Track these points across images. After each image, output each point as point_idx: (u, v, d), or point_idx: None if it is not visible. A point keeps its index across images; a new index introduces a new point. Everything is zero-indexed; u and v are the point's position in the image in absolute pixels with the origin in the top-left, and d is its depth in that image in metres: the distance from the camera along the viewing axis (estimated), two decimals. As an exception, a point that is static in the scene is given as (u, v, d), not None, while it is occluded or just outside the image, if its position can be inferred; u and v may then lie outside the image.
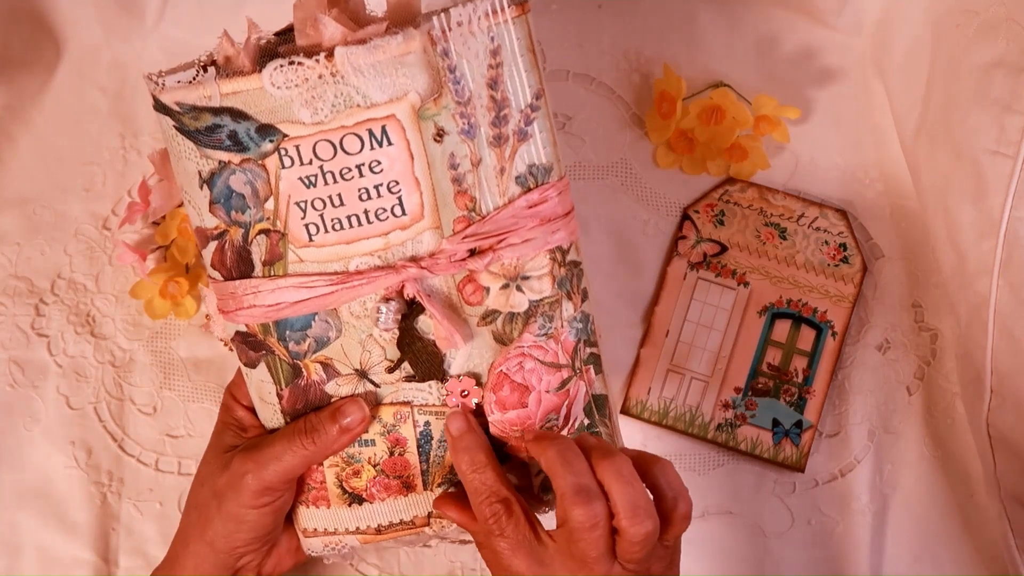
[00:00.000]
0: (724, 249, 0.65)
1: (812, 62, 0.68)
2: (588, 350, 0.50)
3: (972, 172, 0.56)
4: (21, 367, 0.65)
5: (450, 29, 0.44)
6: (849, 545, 0.64)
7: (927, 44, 0.61)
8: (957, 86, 0.58)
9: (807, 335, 0.65)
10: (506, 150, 0.46)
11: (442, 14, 0.44)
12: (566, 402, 0.49)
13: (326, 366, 0.49)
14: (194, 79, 0.47)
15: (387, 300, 0.48)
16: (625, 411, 0.65)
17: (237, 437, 0.53)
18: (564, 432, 0.50)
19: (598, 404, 0.51)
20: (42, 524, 0.63)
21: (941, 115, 0.60)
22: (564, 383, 0.49)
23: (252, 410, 0.53)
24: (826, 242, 0.65)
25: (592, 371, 0.50)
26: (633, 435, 0.65)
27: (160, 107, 0.47)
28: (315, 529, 0.52)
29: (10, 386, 0.64)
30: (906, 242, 0.67)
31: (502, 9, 0.44)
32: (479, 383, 0.49)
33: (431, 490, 0.51)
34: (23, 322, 0.65)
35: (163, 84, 0.47)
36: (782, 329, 0.65)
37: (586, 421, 0.50)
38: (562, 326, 0.49)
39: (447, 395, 0.49)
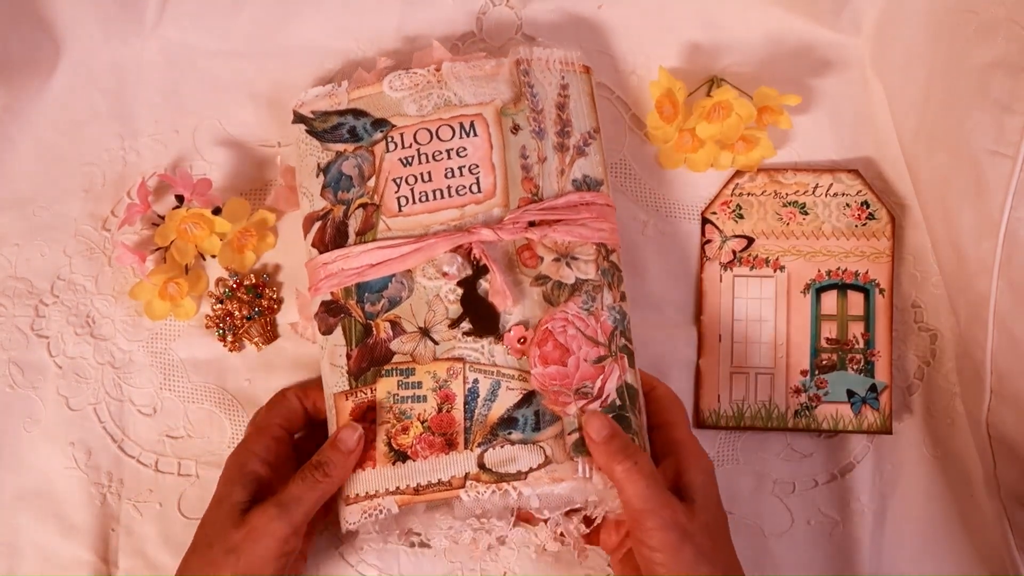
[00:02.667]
0: (751, 241, 0.66)
1: (811, 63, 0.68)
2: (623, 341, 0.57)
3: (972, 172, 0.56)
4: (21, 368, 0.65)
5: (532, 60, 0.59)
6: (849, 545, 0.64)
7: (927, 44, 0.61)
8: (957, 86, 0.58)
9: (856, 300, 0.65)
10: (567, 157, 0.58)
11: (528, 48, 0.60)
12: (601, 376, 0.56)
13: (394, 324, 0.57)
14: (330, 93, 0.60)
15: (456, 253, 0.56)
16: (701, 424, 0.65)
17: (247, 492, 0.54)
18: (597, 404, 0.55)
19: (630, 394, 0.56)
20: (42, 524, 0.63)
21: (941, 115, 0.60)
22: (600, 359, 0.56)
23: (268, 463, 0.56)
24: (847, 204, 0.66)
25: (626, 361, 0.57)
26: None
27: (298, 118, 0.60)
28: (357, 495, 0.55)
29: (10, 387, 0.65)
30: (906, 242, 0.67)
31: (572, 63, 0.60)
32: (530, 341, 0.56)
33: (471, 449, 0.55)
34: (23, 323, 0.65)
35: (303, 100, 0.61)
36: (830, 301, 0.65)
37: (618, 401, 0.56)
38: (602, 308, 0.57)
39: (506, 347, 0.56)
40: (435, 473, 0.55)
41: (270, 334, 0.65)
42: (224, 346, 0.65)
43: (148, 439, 0.64)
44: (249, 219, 0.63)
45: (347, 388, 0.57)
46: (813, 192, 0.66)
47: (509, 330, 0.56)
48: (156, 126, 0.68)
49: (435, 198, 0.58)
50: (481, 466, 0.55)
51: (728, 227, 0.66)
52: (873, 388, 0.65)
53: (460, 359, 0.56)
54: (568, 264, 0.57)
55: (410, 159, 0.58)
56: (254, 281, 0.65)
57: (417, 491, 0.55)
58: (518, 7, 0.68)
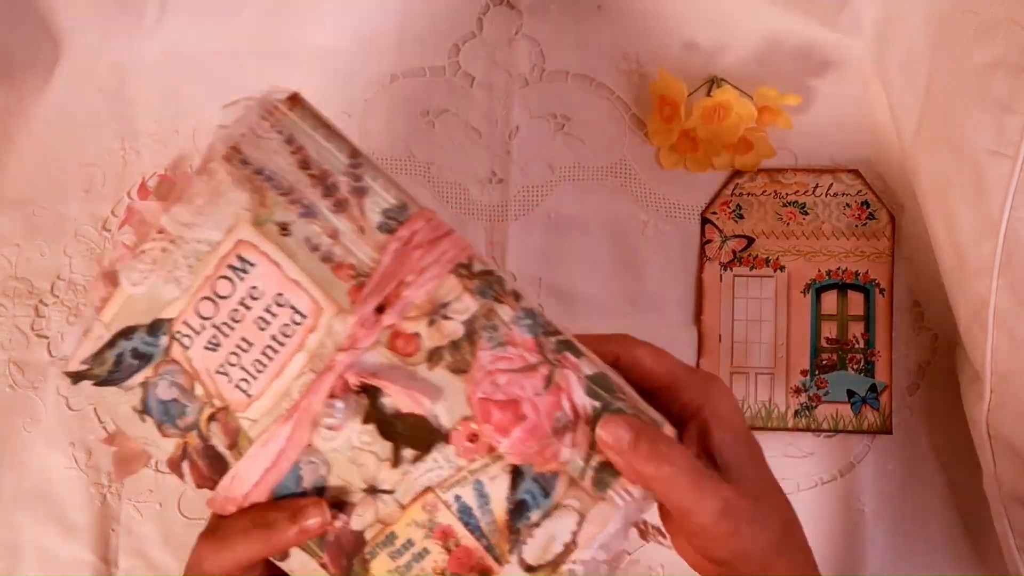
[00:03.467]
0: (751, 241, 0.66)
1: (811, 63, 0.68)
2: (553, 339, 0.48)
3: (972, 172, 0.56)
4: (21, 368, 0.65)
5: (241, 146, 0.47)
6: (849, 545, 0.64)
7: (927, 44, 0.61)
8: (957, 86, 0.57)
9: (856, 300, 0.65)
10: (353, 210, 0.48)
11: (223, 131, 0.48)
12: (563, 395, 0.48)
13: (338, 505, 0.48)
14: (86, 330, 0.49)
15: (333, 398, 0.47)
16: None
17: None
18: (581, 425, 0.48)
19: (599, 383, 0.48)
20: (42, 525, 0.63)
21: (941, 115, 0.60)
22: (548, 379, 0.47)
23: None
24: (848, 204, 0.66)
25: (571, 356, 0.48)
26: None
27: (74, 377, 0.49)
28: None
29: (10, 387, 0.65)
30: (906, 242, 0.67)
31: (276, 108, 0.48)
32: (475, 421, 0.47)
33: (505, 561, 0.47)
34: (23, 323, 0.65)
35: (66, 357, 0.49)
36: (830, 301, 0.65)
37: (597, 404, 0.48)
38: (509, 328, 0.48)
39: (457, 449, 0.47)
40: None
41: (270, 334, 0.65)
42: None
43: (148, 439, 0.64)
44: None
45: None
46: (813, 192, 0.66)
47: (449, 436, 0.47)
48: (156, 126, 0.68)
49: (270, 358, 0.47)
50: (528, 568, 0.48)
51: (728, 227, 0.66)
52: (873, 388, 0.65)
53: (427, 489, 0.47)
54: (445, 317, 0.47)
55: (215, 341, 0.47)
56: (254, 281, 0.65)
57: None
58: (519, 7, 0.68)
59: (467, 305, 0.47)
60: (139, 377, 0.48)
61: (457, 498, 0.47)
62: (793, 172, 0.66)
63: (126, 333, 0.48)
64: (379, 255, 0.47)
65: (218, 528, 0.48)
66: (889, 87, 0.66)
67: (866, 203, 0.66)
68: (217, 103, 0.67)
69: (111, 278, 0.48)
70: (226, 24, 0.68)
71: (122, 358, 0.48)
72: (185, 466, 0.48)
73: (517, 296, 0.48)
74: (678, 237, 0.67)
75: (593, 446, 0.47)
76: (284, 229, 0.47)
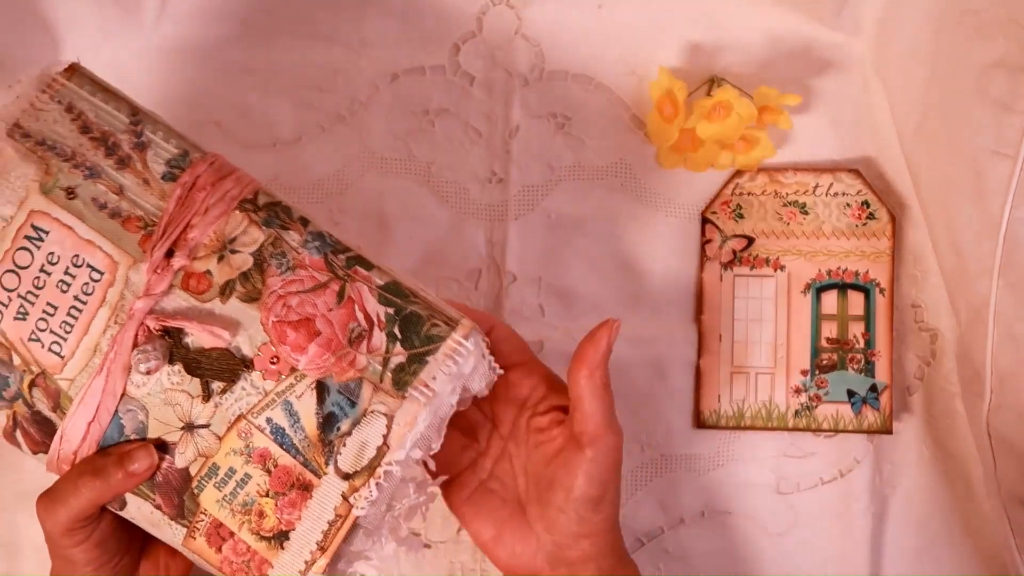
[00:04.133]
0: (751, 241, 0.66)
1: (811, 63, 0.68)
2: (343, 256, 0.51)
3: (972, 172, 0.56)
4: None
5: (21, 122, 0.50)
6: (849, 545, 0.64)
7: (927, 44, 0.61)
8: (957, 86, 0.58)
9: (856, 300, 0.65)
10: (136, 165, 0.50)
11: (2, 113, 0.50)
12: (356, 307, 0.50)
13: (161, 446, 0.50)
14: None
15: (137, 346, 0.49)
16: (702, 424, 0.65)
17: None
18: (378, 332, 0.49)
19: (392, 291, 0.50)
20: (42, 525, 0.63)
21: (941, 115, 0.60)
22: (340, 294, 0.50)
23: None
24: (848, 204, 0.66)
25: (361, 269, 0.51)
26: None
27: None
28: None
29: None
30: (906, 242, 0.67)
31: (54, 80, 0.51)
32: (273, 344, 0.50)
33: (324, 472, 0.49)
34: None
35: None
36: (830, 301, 0.65)
37: (390, 309, 0.50)
38: (298, 252, 0.50)
39: (262, 374, 0.49)
40: (319, 522, 0.49)
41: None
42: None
43: (148, 439, 0.64)
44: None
45: (185, 530, 0.51)
46: (813, 192, 0.66)
47: (252, 363, 0.49)
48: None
49: (75, 318, 0.49)
50: (346, 476, 0.49)
51: (728, 227, 0.66)
52: (873, 388, 0.65)
53: (240, 417, 0.49)
54: (233, 251, 0.50)
55: (21, 310, 0.50)
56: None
57: (323, 548, 0.49)
58: (519, 7, 0.68)
59: (254, 237, 0.50)
60: None
61: (269, 420, 0.49)
62: (793, 172, 0.66)
63: None
64: (163, 201, 0.50)
65: (51, 488, 0.50)
66: (889, 87, 0.66)
67: (866, 203, 0.66)
68: (217, 103, 0.67)
69: None
70: (226, 22, 0.68)
71: None
72: (19, 435, 0.51)
73: (305, 222, 0.51)
74: (678, 237, 0.67)
75: (389, 351, 0.49)
76: (71, 193, 0.50)
